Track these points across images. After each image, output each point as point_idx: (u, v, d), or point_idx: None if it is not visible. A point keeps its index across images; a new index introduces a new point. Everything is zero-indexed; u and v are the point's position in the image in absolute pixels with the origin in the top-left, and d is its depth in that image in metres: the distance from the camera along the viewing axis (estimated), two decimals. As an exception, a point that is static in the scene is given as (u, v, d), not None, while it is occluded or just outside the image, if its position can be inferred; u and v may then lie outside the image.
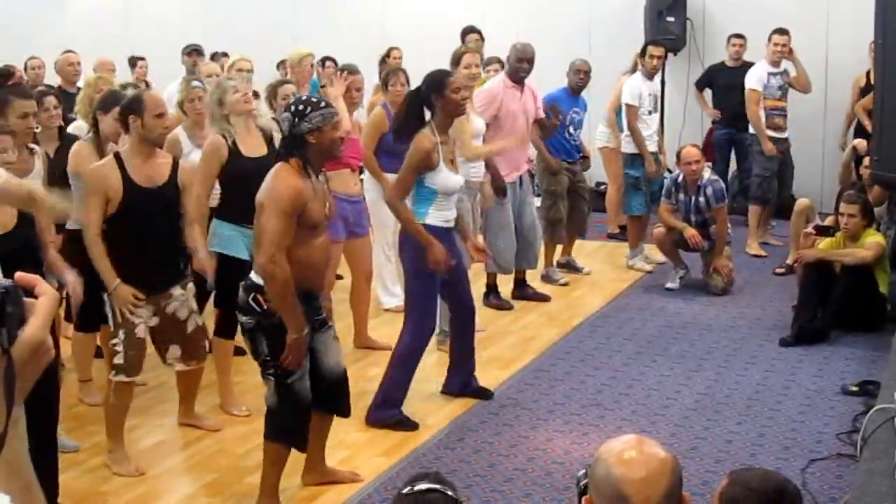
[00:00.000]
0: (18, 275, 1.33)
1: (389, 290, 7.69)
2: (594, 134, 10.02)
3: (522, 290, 8.10)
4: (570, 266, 8.81)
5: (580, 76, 8.45)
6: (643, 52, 9.02)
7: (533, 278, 8.43)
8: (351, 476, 4.95)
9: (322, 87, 8.08)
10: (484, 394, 6.00)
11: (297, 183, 4.31)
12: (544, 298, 8.09)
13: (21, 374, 1.27)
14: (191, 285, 5.21)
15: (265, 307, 4.33)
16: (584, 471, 2.30)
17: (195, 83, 6.43)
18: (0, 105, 5.12)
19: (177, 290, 5.10)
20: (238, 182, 5.48)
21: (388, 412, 5.57)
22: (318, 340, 4.55)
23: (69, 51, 9.18)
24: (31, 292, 1.34)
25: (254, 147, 5.69)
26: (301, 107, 4.40)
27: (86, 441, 5.34)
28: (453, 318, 5.92)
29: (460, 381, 5.99)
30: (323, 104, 4.47)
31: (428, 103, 5.46)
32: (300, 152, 4.37)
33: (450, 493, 2.75)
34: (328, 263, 4.86)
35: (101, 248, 4.87)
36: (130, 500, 4.77)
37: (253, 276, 4.41)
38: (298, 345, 4.33)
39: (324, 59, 10.19)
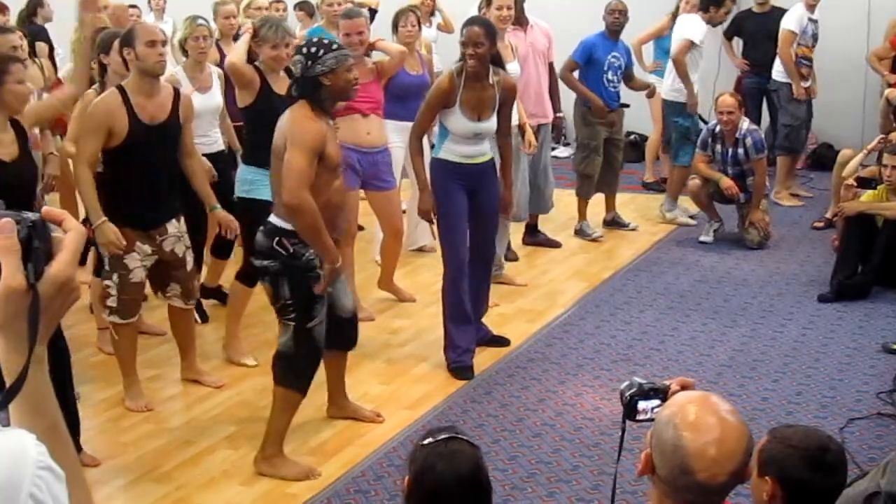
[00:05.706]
0: (45, 209, 1.29)
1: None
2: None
3: (534, 237, 8.00)
4: (615, 223, 8.49)
5: (615, 16, 8.19)
6: (718, 3, 8.67)
7: (560, 230, 8.26)
8: (372, 416, 4.98)
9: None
10: (500, 341, 5.90)
11: (318, 123, 4.30)
12: (555, 244, 7.98)
13: (47, 311, 1.24)
14: (182, 220, 5.13)
15: (292, 250, 4.29)
16: (627, 382, 2.28)
17: (200, 20, 6.07)
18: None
19: (171, 226, 5.04)
20: (267, 121, 5.39)
21: (449, 355, 5.58)
22: (333, 286, 4.56)
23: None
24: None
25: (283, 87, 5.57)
26: (314, 49, 4.34)
27: (106, 391, 5.26)
28: (469, 259, 5.68)
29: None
30: (335, 46, 4.42)
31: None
32: (313, 94, 4.32)
33: (471, 440, 2.72)
34: (345, 206, 4.81)
35: (91, 180, 4.80)
36: (151, 450, 4.70)
37: (274, 219, 4.34)
38: (335, 274, 4.36)
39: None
